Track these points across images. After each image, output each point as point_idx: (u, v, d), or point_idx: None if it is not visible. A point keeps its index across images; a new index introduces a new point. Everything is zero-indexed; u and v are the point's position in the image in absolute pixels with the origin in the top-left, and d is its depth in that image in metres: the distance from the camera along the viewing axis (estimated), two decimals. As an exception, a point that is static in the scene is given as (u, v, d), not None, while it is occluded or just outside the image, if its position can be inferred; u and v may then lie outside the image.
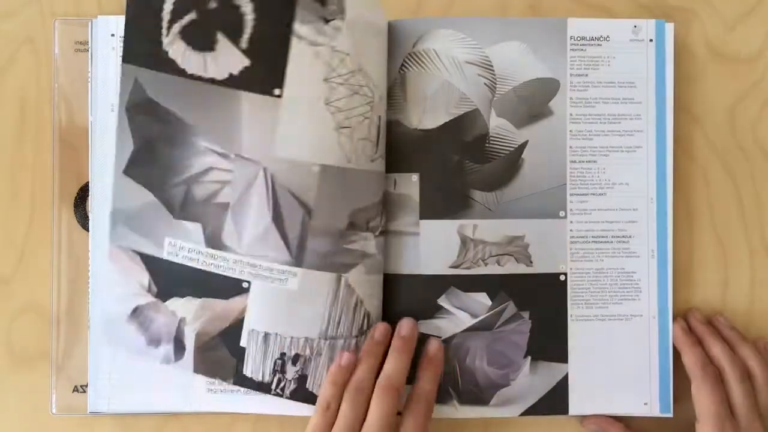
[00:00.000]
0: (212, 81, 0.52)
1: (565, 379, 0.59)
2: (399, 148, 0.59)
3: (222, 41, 0.52)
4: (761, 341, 0.59)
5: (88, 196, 0.60)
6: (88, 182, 0.60)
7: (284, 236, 0.54)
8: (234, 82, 0.52)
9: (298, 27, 0.51)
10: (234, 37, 0.52)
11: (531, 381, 0.59)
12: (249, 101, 0.52)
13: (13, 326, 0.61)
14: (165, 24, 0.52)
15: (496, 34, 0.59)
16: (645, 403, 0.59)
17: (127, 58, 0.53)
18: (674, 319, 0.60)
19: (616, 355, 0.59)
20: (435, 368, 0.56)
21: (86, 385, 0.59)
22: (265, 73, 0.52)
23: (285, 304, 0.55)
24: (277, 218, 0.54)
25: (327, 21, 0.51)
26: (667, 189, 0.60)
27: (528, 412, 0.59)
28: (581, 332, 0.59)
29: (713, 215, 0.61)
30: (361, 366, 0.54)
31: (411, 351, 0.56)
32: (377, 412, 0.51)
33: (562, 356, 0.59)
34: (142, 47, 0.53)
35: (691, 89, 0.61)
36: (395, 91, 0.59)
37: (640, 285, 0.59)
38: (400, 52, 0.59)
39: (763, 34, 0.62)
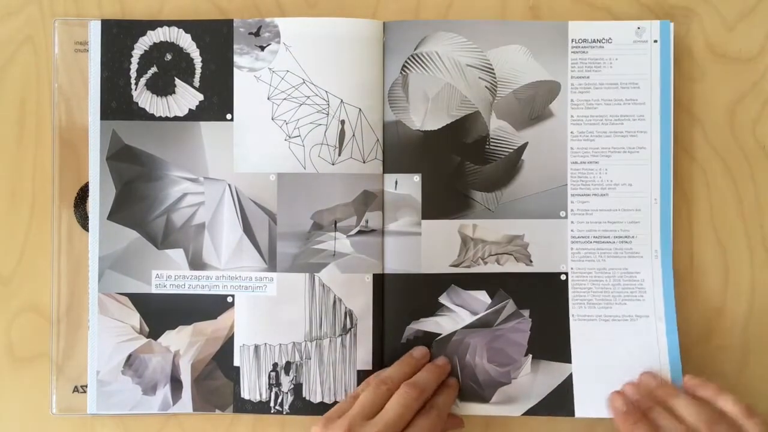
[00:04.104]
0: (176, 118, 0.62)
1: (570, 379, 0.60)
2: (401, 149, 0.61)
3: (179, 84, 0.62)
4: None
5: (88, 196, 0.60)
6: (88, 182, 0.60)
7: (256, 244, 0.62)
8: (193, 115, 0.62)
9: (238, 59, 0.62)
10: (188, 79, 0.62)
11: (533, 380, 0.61)
12: (207, 129, 0.62)
13: (13, 326, 0.63)
14: (133, 80, 0.62)
15: (497, 37, 0.62)
16: None
17: (104, 115, 0.62)
18: (676, 321, 0.61)
19: (623, 357, 0.61)
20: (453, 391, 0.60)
21: (86, 385, 0.61)
22: (217, 103, 0.62)
23: (268, 311, 0.61)
24: (247, 228, 0.62)
25: (263, 48, 0.61)
26: (671, 190, 0.60)
27: (531, 411, 0.60)
28: (584, 332, 0.61)
29: (713, 215, 0.62)
30: (393, 366, 0.59)
31: (440, 377, 0.59)
32: (396, 401, 0.55)
33: (564, 356, 0.60)
34: (116, 103, 0.62)
35: (691, 89, 0.63)
36: (397, 92, 0.60)
37: (644, 285, 0.61)
38: (401, 53, 0.61)
39: (763, 34, 0.63)
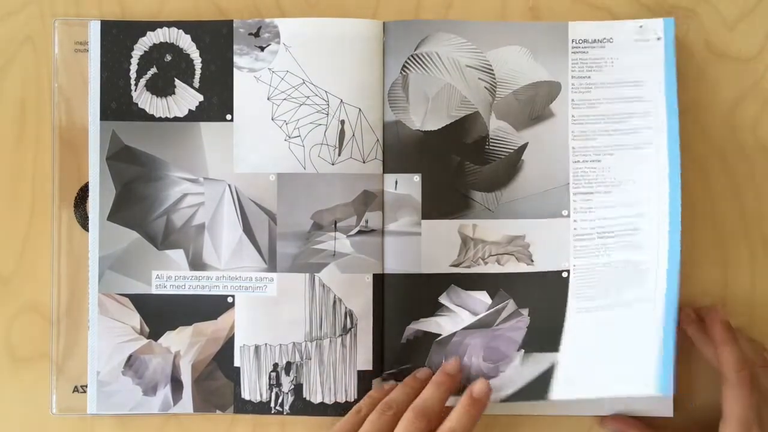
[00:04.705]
0: (176, 119, 0.62)
1: (553, 366, 0.61)
2: (401, 149, 0.61)
3: (179, 85, 0.62)
4: None
5: (88, 196, 0.60)
6: (88, 182, 0.61)
7: (256, 245, 0.62)
8: (193, 116, 0.62)
9: (238, 60, 0.62)
10: (188, 79, 0.62)
11: (519, 371, 0.61)
12: (207, 129, 0.62)
13: (13, 326, 0.63)
14: (133, 81, 0.62)
15: (496, 38, 0.62)
16: (645, 385, 0.59)
17: (104, 116, 0.62)
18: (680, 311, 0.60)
19: (613, 341, 0.60)
20: (475, 410, 0.56)
21: (86, 385, 0.62)
22: (217, 103, 0.62)
23: (268, 311, 0.61)
24: (247, 228, 0.62)
25: (263, 48, 0.61)
26: (679, 182, 0.59)
27: (509, 398, 0.61)
28: (580, 322, 0.61)
29: (713, 215, 0.63)
30: (397, 389, 0.58)
31: (451, 389, 0.58)
32: (402, 430, 0.53)
33: (554, 346, 0.61)
34: (116, 104, 0.62)
35: (691, 89, 0.62)
36: (397, 92, 0.61)
37: (647, 277, 0.60)
38: (401, 53, 0.62)
39: (763, 34, 0.63)
